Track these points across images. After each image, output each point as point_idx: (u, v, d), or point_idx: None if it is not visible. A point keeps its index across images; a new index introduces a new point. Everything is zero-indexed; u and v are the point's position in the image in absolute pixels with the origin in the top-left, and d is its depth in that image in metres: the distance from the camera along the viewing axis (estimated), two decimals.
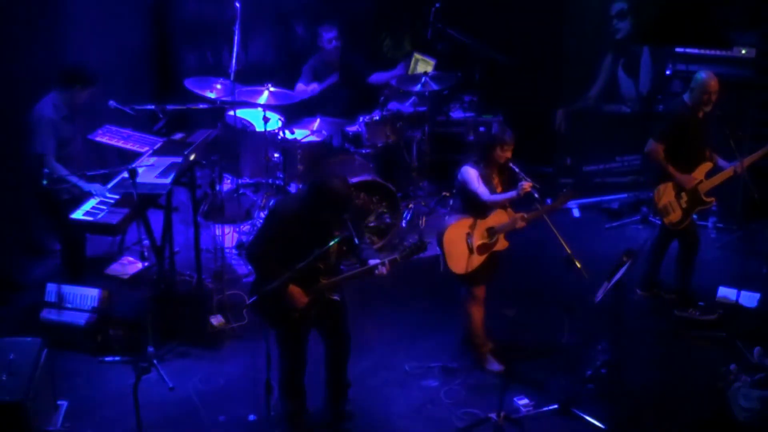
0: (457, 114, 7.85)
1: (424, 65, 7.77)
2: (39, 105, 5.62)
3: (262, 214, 6.82)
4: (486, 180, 5.19)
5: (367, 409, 5.14)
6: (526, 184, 5.07)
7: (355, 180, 6.52)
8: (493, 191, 5.19)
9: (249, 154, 7.03)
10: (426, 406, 5.19)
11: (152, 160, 5.71)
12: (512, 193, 5.14)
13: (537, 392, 5.24)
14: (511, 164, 5.20)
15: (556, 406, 5.09)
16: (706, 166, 5.93)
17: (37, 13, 6.39)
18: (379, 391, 5.32)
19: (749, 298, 6.15)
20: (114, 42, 7.03)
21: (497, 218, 5.27)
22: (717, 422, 5.07)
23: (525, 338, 5.70)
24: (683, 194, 5.93)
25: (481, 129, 7.35)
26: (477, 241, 5.25)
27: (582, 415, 5.03)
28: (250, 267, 6.25)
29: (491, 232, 5.27)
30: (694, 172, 5.91)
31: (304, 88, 7.37)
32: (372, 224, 6.80)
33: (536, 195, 5.11)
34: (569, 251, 5.09)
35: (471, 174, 5.18)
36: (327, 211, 4.52)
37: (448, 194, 7.18)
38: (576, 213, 7.73)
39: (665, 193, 5.96)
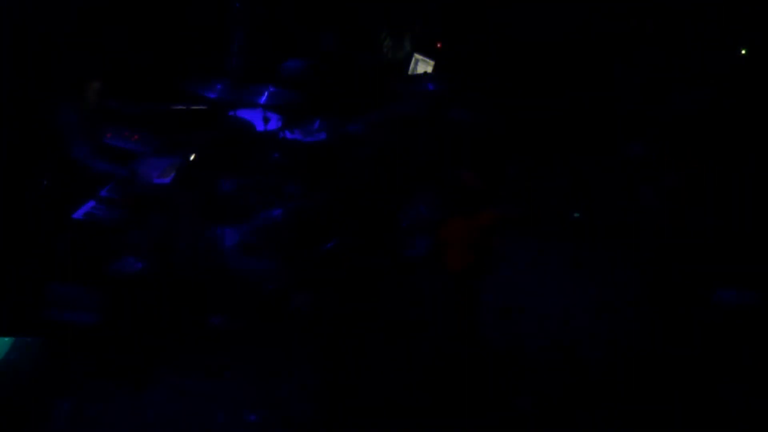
0: (457, 114, 7.82)
1: (424, 65, 7.80)
2: (57, 109, 5.68)
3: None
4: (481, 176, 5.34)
5: None
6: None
7: (355, 180, 6.58)
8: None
9: (250, 154, 6.97)
10: None
11: (152, 160, 5.73)
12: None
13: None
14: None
15: None
16: (693, 166, 5.97)
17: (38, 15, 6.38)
18: None
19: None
20: (114, 42, 7.02)
21: (486, 217, 5.33)
22: None
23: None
24: (667, 193, 5.98)
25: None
26: (472, 239, 5.30)
27: None
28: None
29: (483, 230, 5.32)
30: (680, 172, 5.98)
31: None
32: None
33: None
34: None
35: (466, 176, 5.29)
36: None
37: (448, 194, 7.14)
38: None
39: (648, 193, 5.96)
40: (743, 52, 6.72)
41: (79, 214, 5.35)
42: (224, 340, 5.65)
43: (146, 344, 5.34)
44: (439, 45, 7.94)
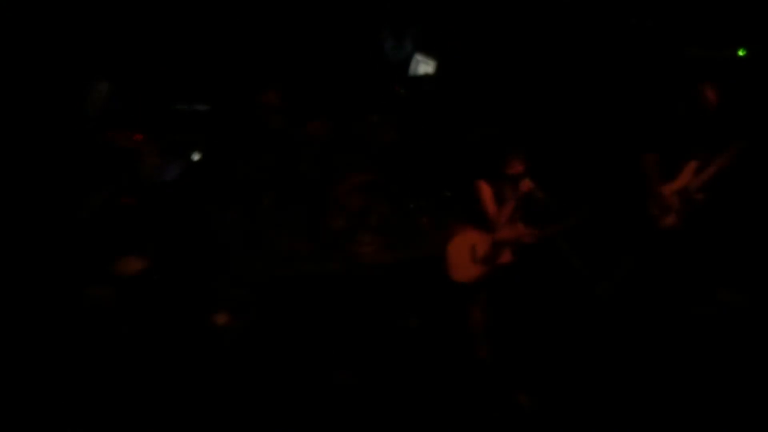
0: (458, 115, 7.63)
1: (425, 67, 7.75)
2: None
3: None
4: (498, 194, 5.19)
5: None
6: (524, 184, 5.04)
7: (357, 180, 6.59)
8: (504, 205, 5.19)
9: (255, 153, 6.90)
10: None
11: (157, 160, 5.75)
12: (510, 204, 5.12)
13: (537, 388, 5.19)
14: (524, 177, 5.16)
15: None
16: (694, 165, 5.77)
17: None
18: None
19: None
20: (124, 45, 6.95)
21: (506, 232, 5.19)
22: None
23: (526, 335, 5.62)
24: (674, 196, 5.78)
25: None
26: (481, 253, 5.19)
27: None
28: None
29: (497, 245, 5.20)
30: (682, 173, 5.76)
31: None
32: (374, 223, 6.73)
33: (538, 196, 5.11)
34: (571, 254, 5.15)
35: (483, 189, 5.19)
36: None
37: (449, 194, 7.04)
38: None
39: (656, 200, 5.84)
40: (740, 53, 6.62)
41: (85, 213, 5.26)
42: (226, 335, 5.64)
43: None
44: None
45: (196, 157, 5.76)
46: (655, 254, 6.05)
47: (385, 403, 5.11)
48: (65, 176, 5.70)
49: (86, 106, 5.82)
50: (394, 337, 5.76)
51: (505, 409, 4.97)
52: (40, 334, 5.08)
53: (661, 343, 5.75)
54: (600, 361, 5.43)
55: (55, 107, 5.82)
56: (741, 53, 6.60)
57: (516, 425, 4.90)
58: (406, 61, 7.99)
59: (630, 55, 7.41)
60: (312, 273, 6.40)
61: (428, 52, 7.75)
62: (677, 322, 5.95)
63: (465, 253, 5.21)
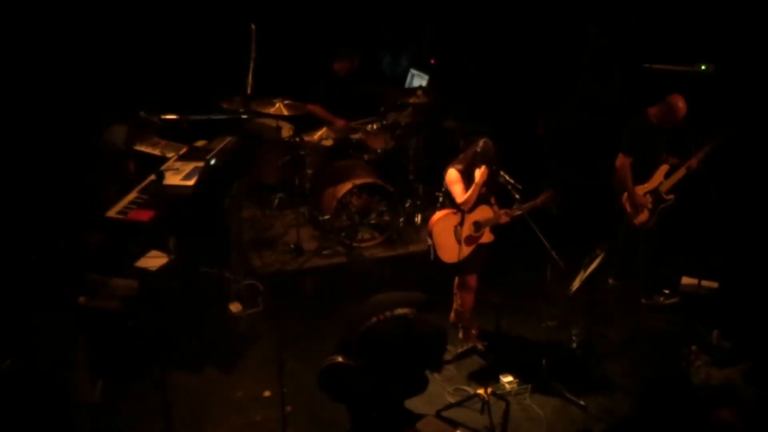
0: (448, 123, 7.94)
1: (419, 80, 7.91)
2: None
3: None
4: (467, 182, 5.24)
5: None
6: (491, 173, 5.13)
7: (358, 182, 6.69)
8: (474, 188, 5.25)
9: (265, 159, 7.12)
10: None
11: (178, 164, 5.82)
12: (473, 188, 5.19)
13: (520, 371, 5.34)
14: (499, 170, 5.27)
15: (536, 383, 5.22)
16: (664, 168, 6.07)
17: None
18: None
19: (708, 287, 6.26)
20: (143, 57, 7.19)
21: (482, 213, 5.36)
22: (678, 396, 5.20)
23: (510, 323, 5.82)
24: (647, 196, 6.07)
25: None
26: (464, 233, 5.32)
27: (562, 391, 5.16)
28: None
29: (477, 225, 5.37)
30: (654, 176, 6.05)
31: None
32: (373, 221, 6.92)
33: (514, 188, 5.24)
34: (549, 247, 5.21)
35: (453, 176, 5.27)
36: None
37: (440, 194, 7.07)
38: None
39: (631, 199, 6.08)
40: (703, 67, 6.77)
41: (112, 212, 5.42)
42: (240, 324, 5.78)
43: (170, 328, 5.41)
44: (432, 61, 8.03)
45: (213, 161, 5.83)
46: (629, 247, 6.25)
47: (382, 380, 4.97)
48: (94, 179, 5.88)
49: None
50: (391, 325, 5.98)
51: (493, 386, 5.00)
52: (72, 320, 5.13)
53: (633, 333, 5.91)
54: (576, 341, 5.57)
55: (85, 118, 6.00)
56: (703, 67, 6.81)
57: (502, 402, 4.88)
58: (403, 76, 8.27)
59: (608, 69, 7.63)
60: (317, 266, 6.60)
61: (422, 68, 7.96)
62: (646, 311, 6.16)
63: (449, 235, 5.26)
